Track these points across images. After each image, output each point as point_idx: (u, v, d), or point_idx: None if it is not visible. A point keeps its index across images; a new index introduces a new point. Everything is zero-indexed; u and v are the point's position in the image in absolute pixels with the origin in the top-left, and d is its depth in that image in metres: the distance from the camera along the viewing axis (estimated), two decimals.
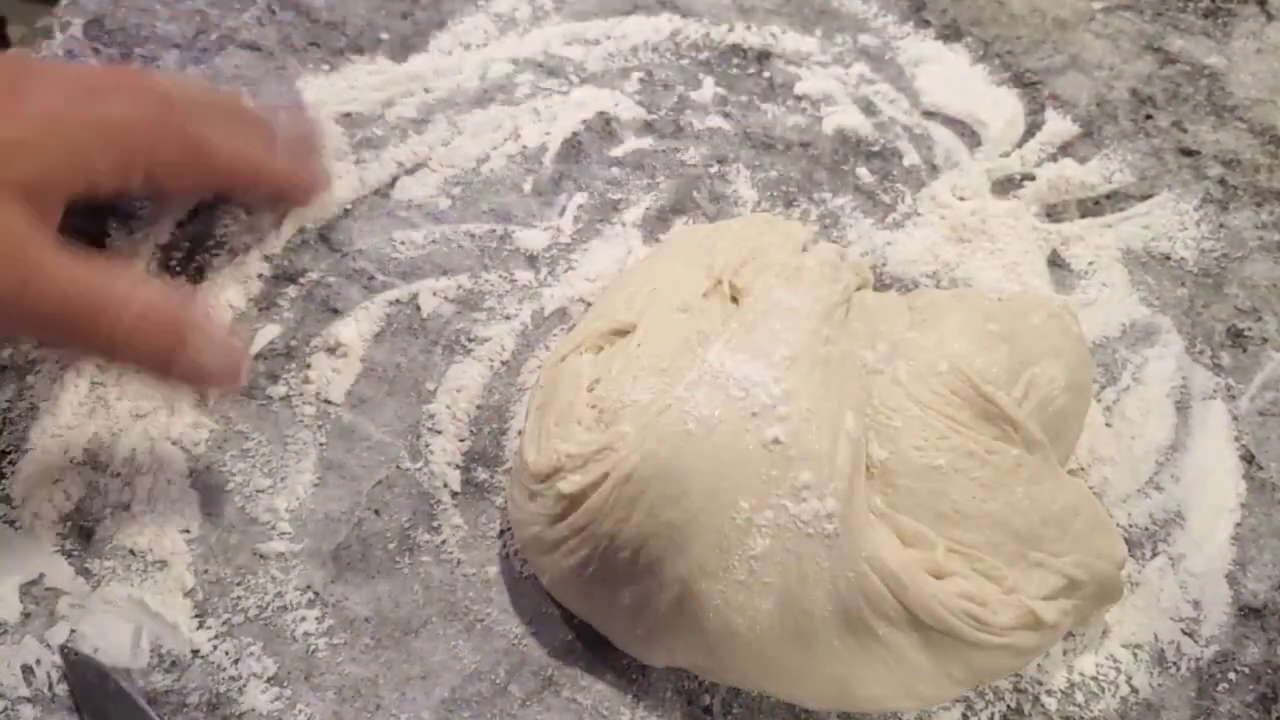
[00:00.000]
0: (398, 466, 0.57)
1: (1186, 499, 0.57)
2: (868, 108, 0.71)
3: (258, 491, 0.56)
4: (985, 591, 0.47)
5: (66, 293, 0.48)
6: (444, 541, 0.55)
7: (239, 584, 0.53)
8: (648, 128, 0.70)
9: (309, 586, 0.53)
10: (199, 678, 0.51)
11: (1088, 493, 0.51)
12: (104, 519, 0.55)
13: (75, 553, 0.54)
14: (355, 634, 0.52)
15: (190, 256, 0.63)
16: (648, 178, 0.68)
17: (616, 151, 0.69)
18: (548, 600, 0.53)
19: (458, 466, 0.57)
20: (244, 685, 0.51)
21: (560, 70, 0.72)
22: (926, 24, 0.76)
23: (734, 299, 0.53)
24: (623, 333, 0.53)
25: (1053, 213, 0.68)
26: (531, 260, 0.64)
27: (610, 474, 0.48)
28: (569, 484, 0.49)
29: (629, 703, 0.51)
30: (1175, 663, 0.53)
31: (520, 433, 0.55)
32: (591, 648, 0.52)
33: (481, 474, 0.57)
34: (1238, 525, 0.56)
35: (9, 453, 0.56)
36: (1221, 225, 0.67)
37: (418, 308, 0.62)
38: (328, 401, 0.59)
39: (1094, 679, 0.52)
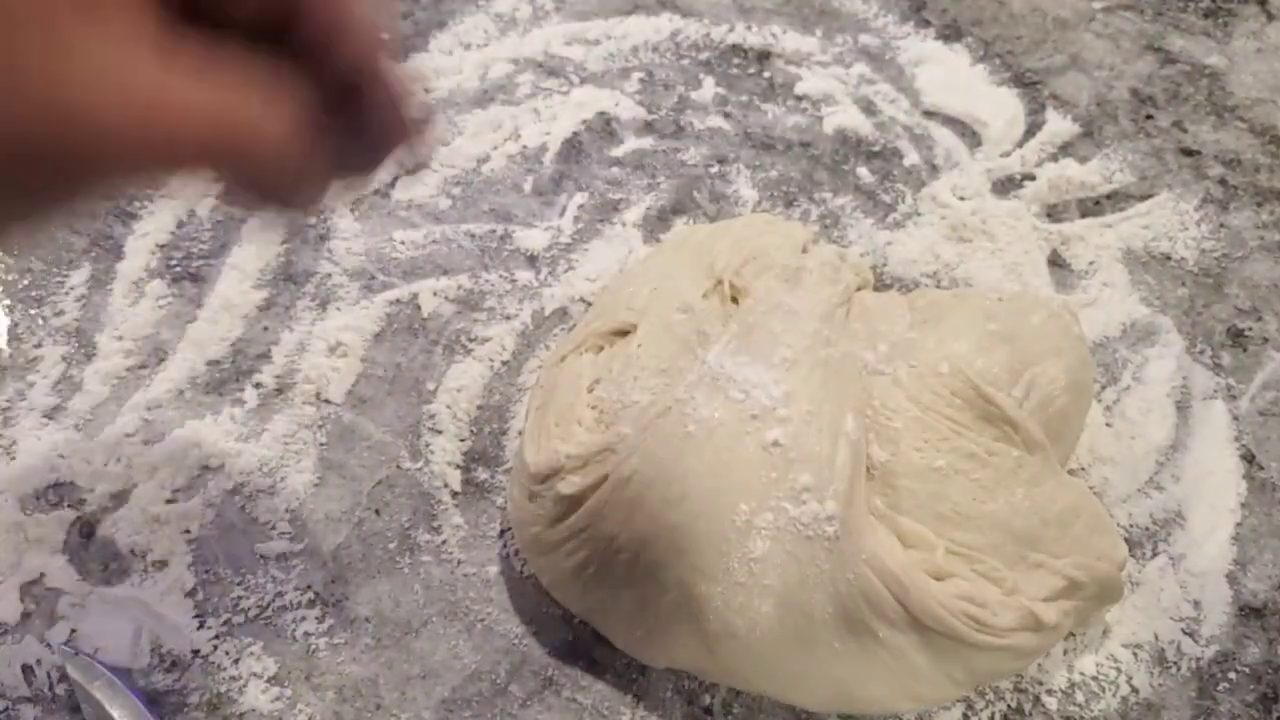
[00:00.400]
0: (398, 466, 0.57)
1: (1187, 499, 0.57)
2: (868, 108, 0.71)
3: (258, 491, 0.56)
4: (985, 593, 0.47)
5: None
6: (444, 541, 0.55)
7: (239, 584, 0.53)
8: (648, 128, 0.70)
9: (309, 586, 0.53)
10: (199, 677, 0.51)
11: (1088, 494, 0.51)
12: (104, 519, 0.55)
13: (75, 553, 0.54)
14: (355, 634, 0.52)
15: (190, 256, 0.63)
16: (648, 178, 0.68)
17: (617, 151, 0.69)
18: (548, 600, 0.53)
19: (458, 466, 0.57)
20: (244, 685, 0.51)
21: (560, 70, 0.72)
22: (927, 24, 0.76)
23: (734, 299, 0.53)
24: (623, 333, 0.53)
25: (1053, 213, 0.67)
26: (531, 260, 0.64)
27: (610, 476, 0.48)
28: (568, 485, 0.49)
29: (629, 703, 0.51)
30: (1175, 662, 0.53)
31: (520, 433, 0.55)
32: (591, 648, 0.52)
33: (482, 474, 0.57)
34: (1238, 525, 0.56)
35: (9, 451, 0.56)
36: (1222, 225, 0.67)
37: (418, 308, 0.62)
38: (328, 401, 0.59)
39: (1094, 679, 0.52)
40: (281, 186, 0.40)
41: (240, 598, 0.53)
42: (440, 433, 0.58)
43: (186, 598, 0.53)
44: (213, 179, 0.38)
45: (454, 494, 0.56)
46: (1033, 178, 0.68)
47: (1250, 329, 0.63)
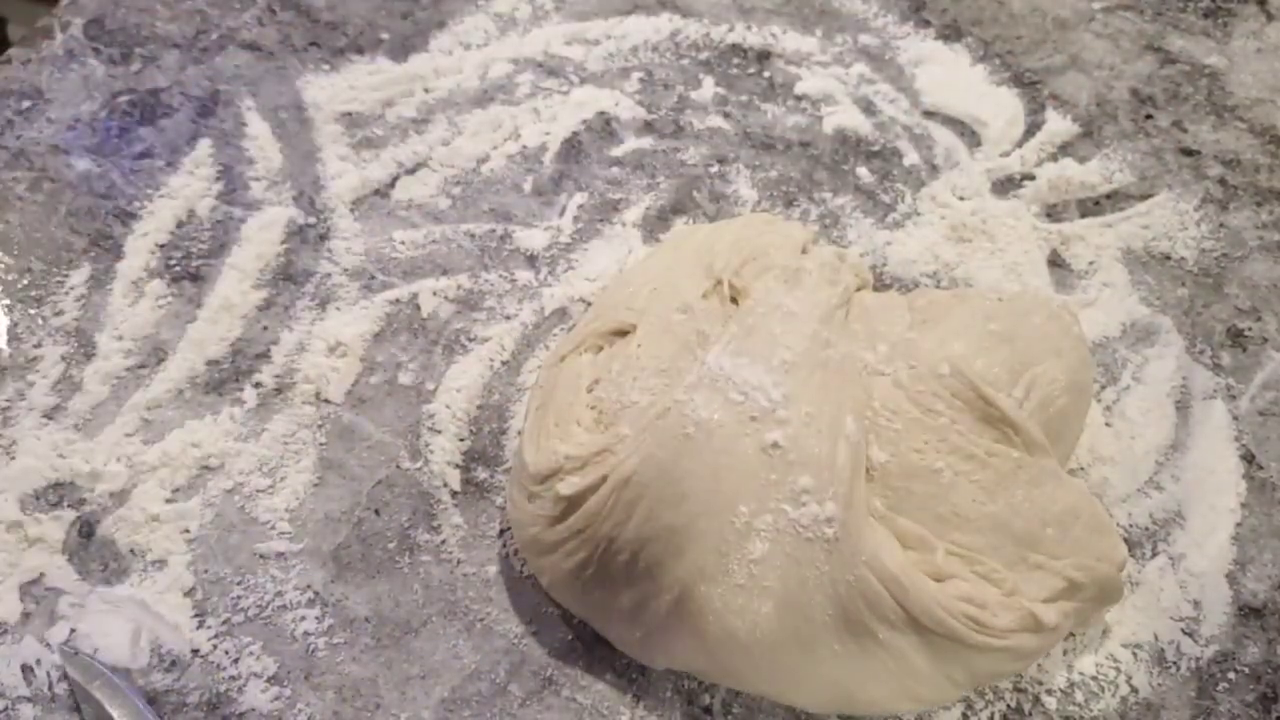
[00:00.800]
0: (398, 466, 0.57)
1: (1186, 499, 0.57)
2: (868, 108, 0.71)
3: (258, 491, 0.56)
4: (985, 594, 0.47)
5: None
6: (444, 541, 0.55)
7: (239, 583, 0.53)
8: (648, 128, 0.70)
9: (309, 586, 0.53)
10: (199, 677, 0.51)
11: (1088, 494, 0.51)
12: (104, 519, 0.55)
13: (75, 553, 0.54)
14: (355, 633, 0.52)
15: (190, 256, 0.63)
16: (648, 178, 0.68)
17: (616, 151, 0.69)
18: (548, 600, 0.53)
19: (458, 466, 0.57)
20: (244, 685, 0.51)
21: (560, 70, 0.72)
22: (926, 24, 0.76)
23: (734, 300, 0.53)
24: (623, 333, 0.53)
25: (1053, 213, 0.67)
26: (531, 260, 0.64)
27: (609, 477, 0.48)
28: (568, 486, 0.49)
29: (629, 702, 0.51)
30: (1175, 662, 0.53)
31: (520, 433, 0.55)
32: (591, 647, 0.52)
33: (481, 473, 0.57)
34: (1238, 525, 0.56)
35: (9, 451, 0.56)
36: (1221, 225, 0.67)
37: (418, 307, 0.62)
38: (327, 401, 0.59)
39: (1094, 678, 0.52)
40: None
41: (240, 597, 0.53)
42: (440, 432, 0.58)
43: (186, 597, 0.53)
44: None
45: (453, 494, 0.56)
46: (1032, 178, 0.68)
47: (1250, 329, 0.63)
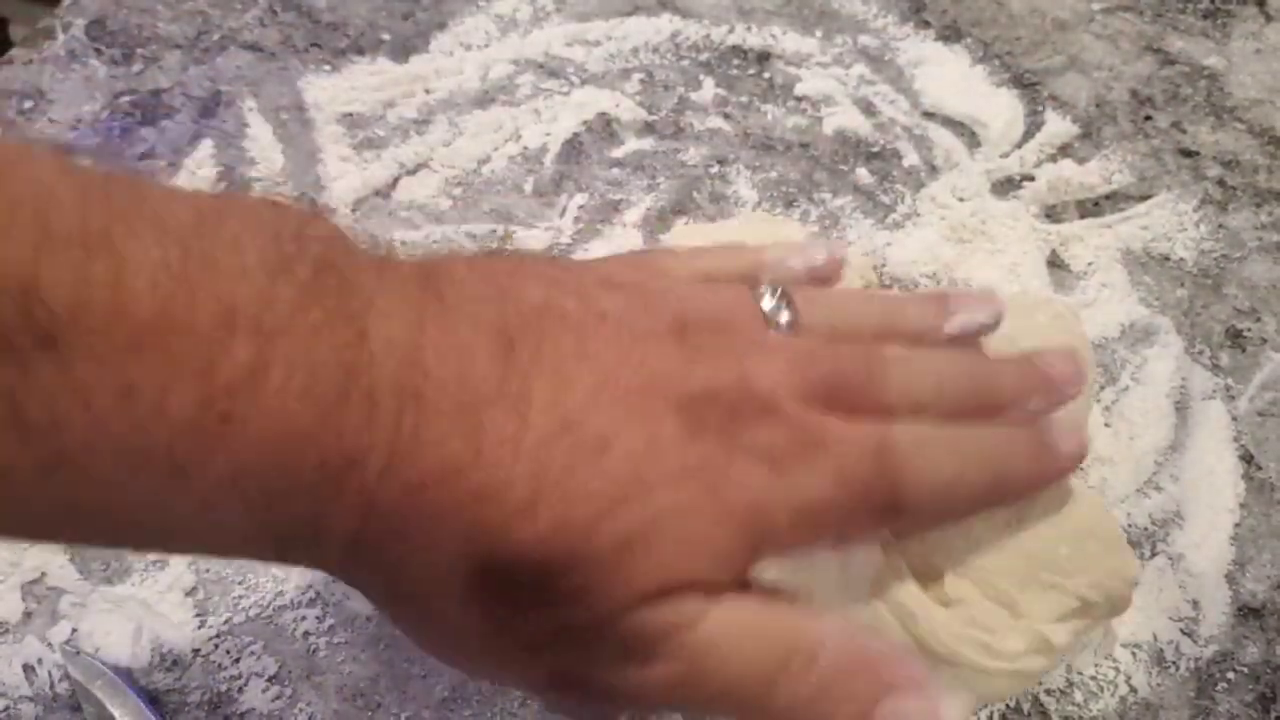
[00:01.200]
0: None
1: (1186, 499, 0.57)
2: (868, 108, 0.72)
3: None
4: (995, 618, 0.46)
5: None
6: None
7: (240, 582, 0.53)
8: (648, 128, 0.70)
9: (310, 585, 0.54)
10: (200, 676, 0.51)
11: (1102, 508, 0.50)
12: None
13: (77, 552, 0.54)
14: (356, 633, 0.53)
15: None
16: (648, 178, 0.68)
17: (617, 152, 0.69)
18: None
19: None
20: (244, 684, 0.51)
21: (561, 71, 0.72)
22: (926, 25, 0.76)
23: None
24: None
25: (1052, 213, 0.68)
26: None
27: None
28: None
29: None
30: (1174, 662, 0.53)
31: None
32: None
33: None
34: (1237, 525, 0.56)
35: None
36: (1221, 226, 0.67)
37: None
38: None
39: (1093, 678, 0.52)
40: None
41: (240, 597, 0.53)
42: None
43: (187, 597, 0.53)
44: None
45: None
46: (1032, 178, 0.68)
47: (1249, 329, 0.63)
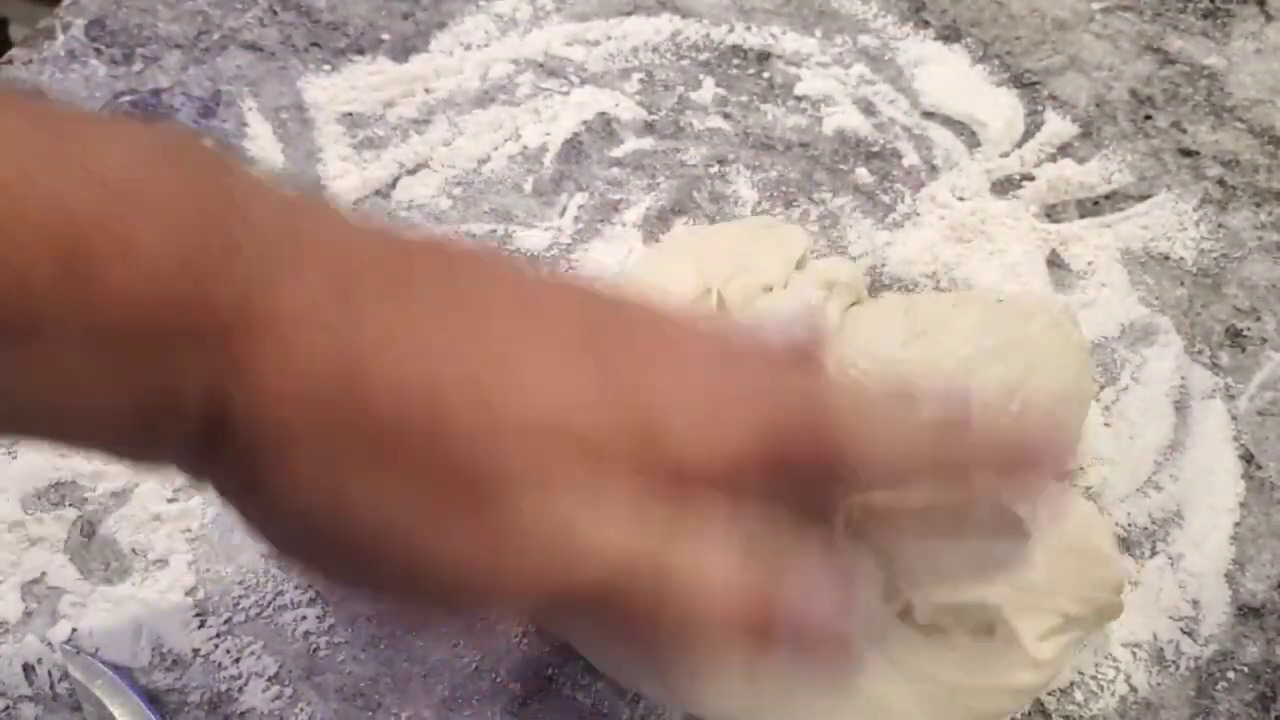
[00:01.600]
0: None
1: (1185, 499, 0.57)
2: (867, 108, 0.72)
3: None
4: (979, 642, 0.46)
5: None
6: None
7: (240, 582, 0.54)
8: (648, 128, 0.70)
9: (309, 585, 0.54)
10: (200, 676, 0.51)
11: (1088, 516, 0.49)
12: (105, 518, 0.55)
13: (77, 552, 0.54)
14: (356, 633, 0.53)
15: None
16: (648, 178, 0.68)
17: (617, 152, 0.69)
18: None
19: None
20: (244, 684, 0.51)
21: (561, 71, 0.72)
22: (926, 25, 0.76)
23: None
24: None
25: (1052, 213, 0.68)
26: (532, 260, 0.64)
27: None
28: None
29: (629, 702, 0.51)
30: (1174, 662, 0.53)
31: None
32: None
33: None
34: (1236, 525, 0.56)
35: (10, 451, 0.56)
36: (1221, 225, 0.67)
37: None
38: None
39: (1093, 678, 0.52)
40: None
41: (241, 596, 0.53)
42: None
43: (187, 596, 0.53)
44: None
45: None
46: (1032, 178, 0.68)
47: (1249, 329, 0.63)
